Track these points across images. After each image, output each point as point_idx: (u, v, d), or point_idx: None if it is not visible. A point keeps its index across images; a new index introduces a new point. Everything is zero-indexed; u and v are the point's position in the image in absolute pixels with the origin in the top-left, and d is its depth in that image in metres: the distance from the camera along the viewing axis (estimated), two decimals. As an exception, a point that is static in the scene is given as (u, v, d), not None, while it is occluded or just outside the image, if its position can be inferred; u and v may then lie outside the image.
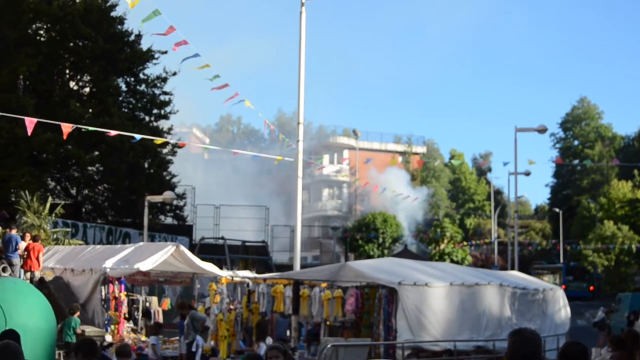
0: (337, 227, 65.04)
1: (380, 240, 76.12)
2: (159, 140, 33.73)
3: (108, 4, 50.42)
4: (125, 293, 28.47)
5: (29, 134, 26.79)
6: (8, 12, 46.05)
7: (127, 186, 49.39)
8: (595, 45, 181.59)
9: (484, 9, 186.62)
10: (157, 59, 52.21)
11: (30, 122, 26.40)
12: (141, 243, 33.30)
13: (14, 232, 27.75)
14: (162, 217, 55.13)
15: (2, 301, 14.25)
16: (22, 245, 28.02)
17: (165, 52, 52.09)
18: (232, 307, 27.19)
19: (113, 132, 28.48)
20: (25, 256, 28.02)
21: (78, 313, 23.55)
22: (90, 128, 28.26)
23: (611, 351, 13.01)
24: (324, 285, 26.35)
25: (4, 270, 26.20)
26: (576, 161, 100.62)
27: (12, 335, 9.29)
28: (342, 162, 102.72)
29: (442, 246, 74.63)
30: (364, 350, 22.31)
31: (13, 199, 40.51)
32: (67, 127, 26.87)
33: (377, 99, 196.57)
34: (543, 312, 29.36)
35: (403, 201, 71.69)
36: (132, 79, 52.98)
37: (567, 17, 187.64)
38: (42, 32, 49.44)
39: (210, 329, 25.88)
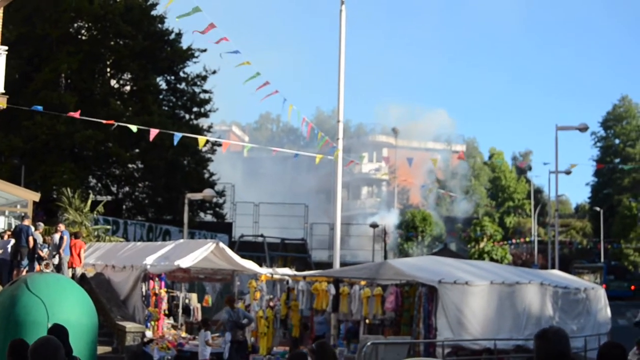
0: (376, 225, 64.81)
1: (420, 238, 75.92)
2: (201, 140, 33.78)
3: (148, 3, 50.78)
4: (165, 290, 28.59)
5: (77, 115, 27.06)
6: (50, 11, 46.54)
7: (166, 183, 49.67)
8: (635, 44, 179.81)
9: (524, 9, 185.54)
10: (197, 57, 52.49)
11: (72, 117, 26.68)
12: (181, 240, 33.42)
13: (26, 222, 27.86)
14: (201, 215, 55.36)
15: (45, 297, 14.37)
16: (38, 236, 28.11)
17: (205, 51, 52.36)
18: (271, 304, 27.21)
19: (154, 131, 28.57)
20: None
21: None
22: (132, 126, 28.39)
23: (638, 353, 12.86)
24: (363, 283, 26.31)
25: (46, 266, 26.39)
26: (618, 160, 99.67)
27: (60, 330, 9.33)
28: (381, 160, 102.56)
29: (482, 245, 74.28)
30: (403, 348, 22.24)
31: (55, 195, 40.86)
32: (108, 124, 27.05)
33: (416, 97, 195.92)
34: (585, 311, 29.11)
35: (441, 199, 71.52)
36: (172, 77, 53.29)
37: (608, 15, 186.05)
38: (83, 30, 49.89)
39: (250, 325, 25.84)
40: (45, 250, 28.56)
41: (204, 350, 22.58)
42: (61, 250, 28.06)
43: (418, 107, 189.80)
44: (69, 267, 28.10)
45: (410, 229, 75.78)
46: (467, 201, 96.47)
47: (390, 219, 79.40)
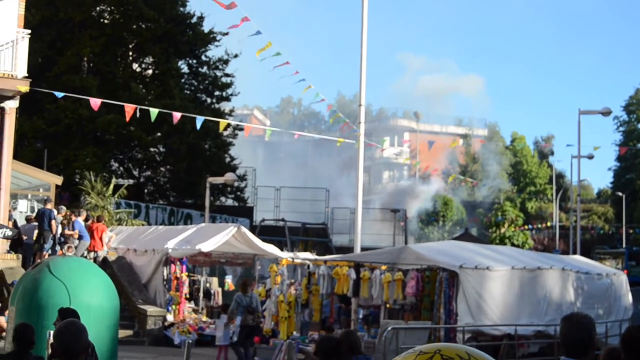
0: (397, 209, 64.81)
1: (441, 223, 75.78)
2: (223, 124, 33.85)
3: (170, -14, 50.76)
4: (186, 274, 28.73)
5: (96, 110, 27.13)
6: (73, -5, 46.62)
7: (188, 167, 49.78)
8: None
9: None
10: (218, 41, 52.51)
11: (94, 102, 26.73)
12: (203, 224, 33.54)
13: (48, 206, 28.02)
14: (223, 199, 55.46)
15: (67, 280, 14.44)
16: (59, 219, 28.26)
17: (227, 34, 52.46)
18: (292, 289, 27.27)
19: (177, 115, 28.62)
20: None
21: None
22: (153, 109, 28.43)
23: None
24: (384, 267, 26.31)
25: (68, 249, 26.53)
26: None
27: (71, 314, 9.39)
28: (403, 144, 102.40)
29: (503, 230, 74.07)
30: (424, 333, 22.25)
31: (77, 179, 41.03)
32: (130, 108, 27.12)
33: (438, 80, 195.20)
34: (607, 297, 29.02)
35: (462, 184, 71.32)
36: (194, 61, 53.34)
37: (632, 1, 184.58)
38: (105, 14, 50.00)
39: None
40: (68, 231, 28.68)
41: (224, 335, 22.28)
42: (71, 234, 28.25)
43: (440, 91, 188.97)
44: (90, 251, 28.24)
45: (432, 214, 75.65)
46: (488, 186, 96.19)
47: (412, 204, 79.37)
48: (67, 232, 28.32)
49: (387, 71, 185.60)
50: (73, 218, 28.85)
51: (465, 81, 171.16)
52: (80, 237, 28.20)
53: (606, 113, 45.10)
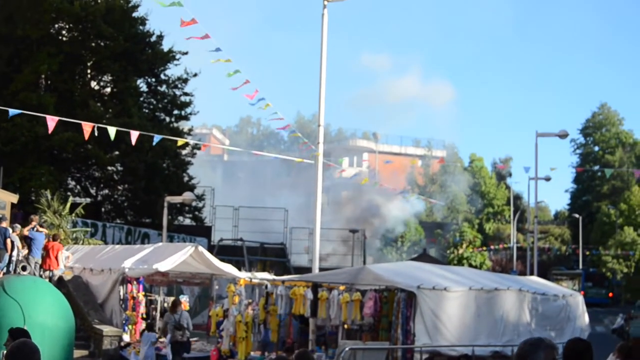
0: (355, 230, 64.86)
1: (399, 243, 75.96)
2: (180, 141, 33.83)
3: (130, 5, 50.60)
4: (143, 293, 28.53)
5: (50, 131, 26.86)
6: (31, 12, 46.35)
7: (146, 186, 49.51)
8: (615, 52, 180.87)
9: (503, 14, 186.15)
10: (178, 59, 52.39)
11: (51, 120, 26.51)
12: (160, 243, 33.33)
13: (3, 224, 27.76)
14: (181, 218, 55.21)
15: (22, 300, 14.28)
16: (15, 238, 28.00)
17: (187, 53, 52.36)
18: (250, 309, 27.15)
19: (135, 133, 28.47)
20: (44, 255, 28.10)
21: None
22: (111, 128, 28.26)
23: (616, 358, 12.82)
24: (342, 288, 26.27)
25: (23, 269, 26.26)
26: (597, 167, 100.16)
27: (23, 333, 9.25)
28: (362, 164, 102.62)
29: (461, 250, 74.42)
30: (382, 353, 22.22)
31: (33, 197, 40.66)
32: (87, 127, 26.94)
33: (396, 102, 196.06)
34: (563, 318, 29.19)
35: (420, 205, 71.53)
36: (153, 79, 53.15)
37: (587, 23, 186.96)
38: (64, 31, 49.69)
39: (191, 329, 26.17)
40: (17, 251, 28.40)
41: (147, 351, 23.41)
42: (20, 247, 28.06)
43: (399, 113, 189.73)
44: (46, 270, 27.97)
45: (390, 233, 75.82)
46: (446, 207, 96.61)
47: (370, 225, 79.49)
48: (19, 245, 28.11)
49: (347, 85, 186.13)
50: (25, 231, 28.66)
51: (427, 95, 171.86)
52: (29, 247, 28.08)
53: (563, 135, 45.46)
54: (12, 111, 28.37)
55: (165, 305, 31.82)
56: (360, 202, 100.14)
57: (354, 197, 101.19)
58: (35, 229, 28.91)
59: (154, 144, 31.22)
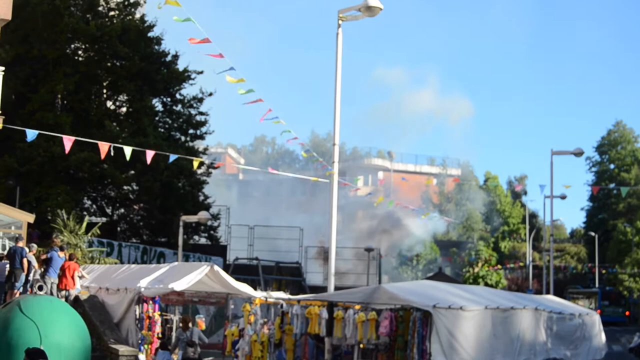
0: (371, 248, 64.79)
1: (415, 262, 75.81)
2: (196, 162, 33.85)
3: (145, 25, 50.86)
4: (159, 313, 28.50)
5: (67, 151, 26.93)
6: (47, 32, 46.63)
7: (161, 206, 49.62)
8: (630, 70, 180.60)
9: (519, 32, 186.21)
10: (193, 79, 52.63)
11: (68, 140, 26.62)
12: (176, 263, 33.34)
13: (20, 244, 27.87)
14: (196, 237, 55.27)
15: (38, 319, 14.32)
16: (32, 258, 28.12)
17: (202, 72, 52.59)
18: (266, 328, 27.12)
19: (150, 153, 28.56)
20: (60, 274, 28.15)
21: None
22: (127, 147, 28.35)
23: None
24: (358, 307, 26.21)
25: (40, 288, 26.31)
26: (612, 185, 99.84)
27: (40, 354, 9.27)
28: (377, 183, 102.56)
29: (477, 269, 74.22)
30: (397, 373, 22.16)
31: (49, 217, 40.76)
32: (104, 147, 27.04)
33: (412, 120, 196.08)
34: (579, 337, 29.07)
35: (436, 223, 71.40)
36: (169, 99, 53.34)
37: (602, 42, 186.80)
38: (80, 51, 49.94)
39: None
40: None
41: None
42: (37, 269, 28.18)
43: (415, 131, 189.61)
44: (62, 289, 28.02)
45: (406, 252, 75.68)
46: (462, 225, 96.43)
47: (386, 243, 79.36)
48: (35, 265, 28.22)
49: (362, 100, 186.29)
50: (43, 256, 28.74)
51: (442, 112, 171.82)
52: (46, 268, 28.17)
53: (579, 153, 45.33)
54: (30, 132, 28.49)
55: (191, 325, 31.86)
56: (376, 221, 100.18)
57: (369, 216, 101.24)
58: (56, 251, 28.96)
59: (170, 161, 31.29)
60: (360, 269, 69.05)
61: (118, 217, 52.95)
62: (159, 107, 53.37)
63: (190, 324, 25.35)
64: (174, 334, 30.48)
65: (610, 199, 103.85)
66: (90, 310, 27.54)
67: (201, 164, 49.24)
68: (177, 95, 53.25)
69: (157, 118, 52.39)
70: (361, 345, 26.18)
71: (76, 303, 26.79)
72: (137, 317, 27.13)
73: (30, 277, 28.11)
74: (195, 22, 23.50)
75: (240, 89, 26.34)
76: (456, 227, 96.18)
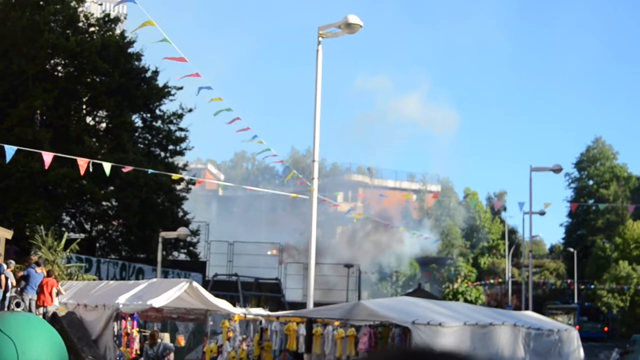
0: (350, 265, 64.78)
1: (394, 278, 75.83)
2: (175, 176, 33.84)
3: (125, 41, 50.80)
4: (137, 329, 28.40)
5: (46, 167, 26.84)
6: (27, 47, 46.50)
7: (140, 222, 49.48)
8: (610, 86, 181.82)
9: (499, 48, 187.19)
10: (173, 95, 52.54)
11: (47, 156, 26.54)
12: (154, 279, 33.25)
13: None
14: (175, 253, 55.10)
15: (15, 337, 14.22)
16: (9, 274, 27.97)
17: (181, 88, 52.49)
18: (244, 345, 27.06)
19: (128, 167, 28.53)
20: (39, 291, 28.02)
21: None
22: (106, 164, 28.31)
23: None
24: (337, 323, 26.22)
25: (17, 305, 26.18)
26: (591, 201, 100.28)
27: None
28: (357, 198, 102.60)
29: (456, 285, 74.31)
30: (376, 389, 22.12)
31: (28, 233, 40.56)
32: (83, 162, 26.98)
33: (393, 131, 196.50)
34: (558, 353, 29.12)
35: (415, 239, 71.38)
36: (148, 114, 53.26)
37: (582, 58, 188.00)
38: (59, 67, 49.83)
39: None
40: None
41: None
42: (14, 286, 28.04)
43: (394, 148, 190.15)
44: (39, 306, 27.88)
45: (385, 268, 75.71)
46: (441, 241, 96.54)
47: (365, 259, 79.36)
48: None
49: (342, 114, 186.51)
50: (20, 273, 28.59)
51: (423, 128, 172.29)
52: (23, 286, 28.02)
53: (557, 170, 45.55)
54: (9, 148, 28.37)
55: (159, 340, 31.72)
56: (355, 237, 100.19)
57: (349, 232, 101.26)
58: (33, 268, 28.81)
59: (149, 174, 31.27)
60: (341, 285, 69.01)
61: (97, 233, 52.74)
62: (139, 122, 53.27)
63: (158, 339, 25.26)
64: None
65: (589, 215, 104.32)
66: (68, 326, 27.39)
67: (180, 180, 49.13)
68: (157, 111, 53.21)
69: (136, 134, 52.31)
70: (340, 362, 26.16)
71: (54, 320, 26.65)
72: (116, 333, 27.04)
73: (8, 294, 27.95)
74: (172, 42, 23.52)
75: (218, 110, 26.41)
76: (436, 243, 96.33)
